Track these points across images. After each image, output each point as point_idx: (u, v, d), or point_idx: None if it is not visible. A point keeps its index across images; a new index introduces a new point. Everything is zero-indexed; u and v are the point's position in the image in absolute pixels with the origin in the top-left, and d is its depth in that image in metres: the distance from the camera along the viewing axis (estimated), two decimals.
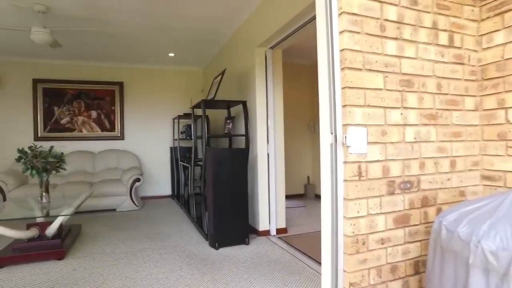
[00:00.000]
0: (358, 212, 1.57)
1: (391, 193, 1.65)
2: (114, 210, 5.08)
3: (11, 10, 3.62)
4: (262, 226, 3.73)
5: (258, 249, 3.26)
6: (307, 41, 4.84)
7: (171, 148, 6.14)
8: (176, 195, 5.91)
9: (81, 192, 4.77)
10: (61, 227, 3.36)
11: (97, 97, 5.88)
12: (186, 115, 5.27)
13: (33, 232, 3.10)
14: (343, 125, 1.58)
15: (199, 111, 3.72)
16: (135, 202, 5.15)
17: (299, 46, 5.11)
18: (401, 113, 1.69)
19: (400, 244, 1.67)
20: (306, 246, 3.31)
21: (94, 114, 5.86)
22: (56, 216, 3.06)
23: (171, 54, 5.52)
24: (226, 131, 4.01)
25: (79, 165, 5.48)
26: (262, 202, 3.71)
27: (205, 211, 3.57)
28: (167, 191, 6.31)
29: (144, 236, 3.72)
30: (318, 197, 6.04)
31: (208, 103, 3.64)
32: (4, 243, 3.29)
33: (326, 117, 1.65)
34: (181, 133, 5.63)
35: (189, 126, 5.30)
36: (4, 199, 4.63)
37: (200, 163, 4.41)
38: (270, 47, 3.68)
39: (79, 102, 5.78)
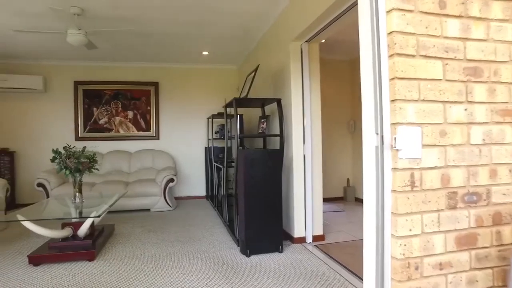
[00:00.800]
0: (410, 230, 1.29)
1: (453, 207, 1.35)
2: (148, 210, 5.09)
3: (49, 14, 3.69)
4: (297, 232, 3.48)
5: (292, 258, 3.02)
6: (346, 34, 4.50)
7: (205, 148, 6.07)
8: (210, 196, 5.82)
9: (116, 192, 4.82)
10: (93, 227, 3.35)
11: (133, 98, 5.95)
12: (220, 114, 5.15)
13: (67, 232, 3.11)
14: (392, 124, 1.30)
15: (232, 111, 3.56)
16: (169, 203, 5.12)
17: (337, 40, 4.78)
18: (466, 109, 1.37)
19: (465, 271, 1.36)
20: (346, 256, 3.01)
21: (130, 114, 5.94)
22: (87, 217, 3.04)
23: (205, 53, 5.43)
24: (260, 131, 3.80)
25: (115, 165, 5.57)
26: (298, 207, 3.46)
27: (237, 215, 3.40)
28: (202, 191, 6.25)
29: (174, 239, 3.63)
30: (358, 200, 5.65)
31: (241, 101, 3.46)
32: (41, 242, 3.34)
33: (370, 114, 1.38)
34: (215, 133, 5.52)
35: (223, 125, 5.17)
36: (47, 196, 4.80)
37: (234, 164, 4.24)
38: (306, 41, 3.42)
39: (116, 103, 5.89)
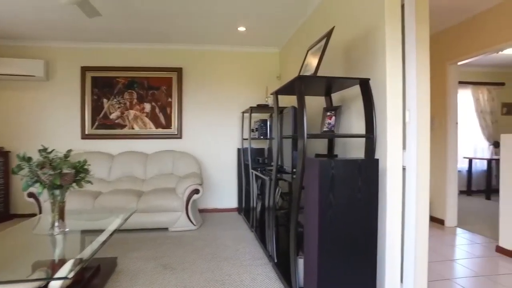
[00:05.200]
0: None
1: None
2: (166, 229, 3.96)
3: None
4: (390, 285, 2.22)
5: None
6: None
7: (238, 149, 4.90)
8: (243, 210, 4.64)
9: (125, 205, 3.73)
10: (82, 268, 2.24)
11: (151, 87, 4.86)
12: (261, 107, 3.95)
13: (33, 285, 2.00)
14: None
15: (282, 101, 2.39)
16: (192, 220, 3.98)
17: None
18: None
19: None
20: None
21: (147, 107, 4.86)
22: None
23: (242, 29, 4.24)
24: (325, 129, 2.56)
25: (128, 169, 4.49)
26: (391, 247, 2.20)
27: (296, 254, 2.19)
28: (233, 203, 5.08)
29: (202, 285, 2.46)
30: (436, 220, 4.26)
31: (305, 83, 2.24)
32: None
33: None
34: (253, 130, 4.33)
35: (263, 122, 3.97)
36: (40, 211, 3.79)
37: (285, 177, 3.04)
38: None
39: (130, 93, 4.82)
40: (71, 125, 4.73)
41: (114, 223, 2.54)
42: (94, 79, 4.75)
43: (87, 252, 1.88)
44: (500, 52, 3.84)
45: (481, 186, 6.51)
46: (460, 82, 5.57)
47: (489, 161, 6.22)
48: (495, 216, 4.29)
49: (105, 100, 4.77)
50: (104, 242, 2.09)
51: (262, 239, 3.35)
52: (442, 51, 4.18)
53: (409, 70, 2.15)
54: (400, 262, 2.22)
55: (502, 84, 6.57)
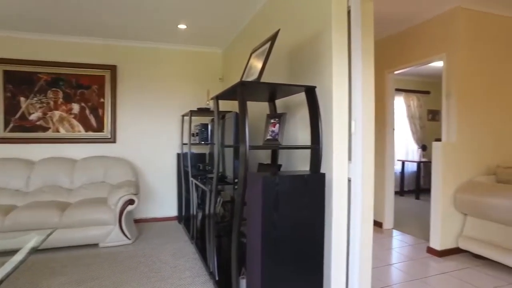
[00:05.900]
0: None
1: None
2: (96, 245, 3.56)
3: None
4: None
5: None
6: (387, 4, 3.31)
7: (178, 155, 4.61)
8: (184, 218, 4.37)
9: (46, 221, 3.27)
10: None
11: (80, 85, 4.36)
12: (201, 111, 3.73)
13: None
14: None
15: (224, 105, 2.23)
16: (126, 234, 3.62)
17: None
18: None
19: None
20: None
21: (76, 108, 4.34)
22: None
23: (182, 26, 3.97)
24: (269, 137, 2.45)
25: (51, 178, 3.96)
26: (337, 261, 2.15)
27: (239, 274, 2.03)
28: (173, 211, 4.78)
29: None
30: (374, 223, 4.42)
31: (249, 88, 2.09)
32: None
33: None
34: (193, 135, 4.09)
35: (204, 126, 3.75)
36: None
37: (226, 187, 2.87)
38: None
39: (55, 92, 4.27)
40: None
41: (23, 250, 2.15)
42: (7, 73, 4.10)
43: None
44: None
45: (411, 186, 7.00)
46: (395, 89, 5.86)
47: (419, 163, 6.70)
48: (424, 216, 4.56)
49: (22, 99, 4.16)
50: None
51: (202, 253, 3.14)
52: (381, 60, 4.34)
53: (355, 79, 2.12)
54: (345, 276, 2.19)
55: (428, 92, 7.16)
